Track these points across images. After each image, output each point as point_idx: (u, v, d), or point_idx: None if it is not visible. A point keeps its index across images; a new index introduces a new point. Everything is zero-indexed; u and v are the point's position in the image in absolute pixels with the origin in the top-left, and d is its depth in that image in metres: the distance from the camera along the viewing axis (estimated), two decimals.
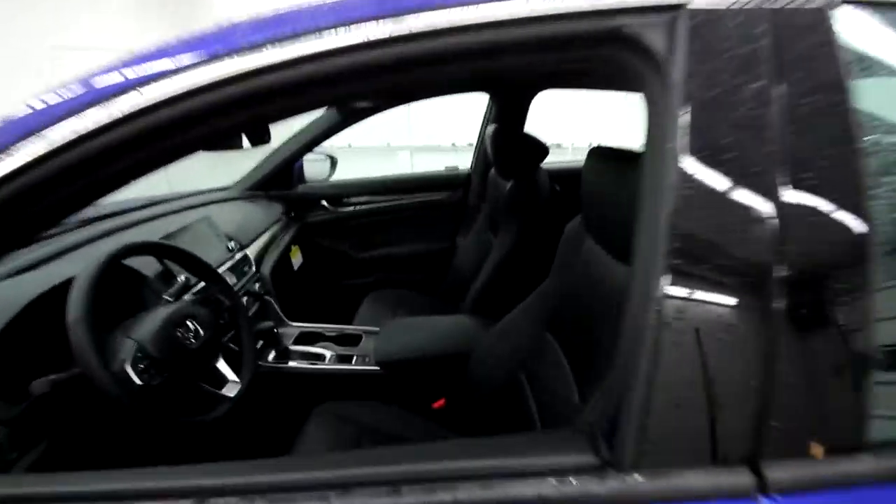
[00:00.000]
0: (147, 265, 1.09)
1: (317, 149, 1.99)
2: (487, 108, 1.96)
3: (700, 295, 0.39)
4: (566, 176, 2.06)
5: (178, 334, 0.85)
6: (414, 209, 2.16)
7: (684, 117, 0.40)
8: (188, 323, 0.89)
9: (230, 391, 0.91)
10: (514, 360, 1.08)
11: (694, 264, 0.39)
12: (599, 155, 0.85)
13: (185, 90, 0.42)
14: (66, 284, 0.76)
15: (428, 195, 2.16)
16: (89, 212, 1.32)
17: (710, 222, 0.39)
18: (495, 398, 1.11)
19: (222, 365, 0.95)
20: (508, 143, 1.44)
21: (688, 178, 0.39)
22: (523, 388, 1.03)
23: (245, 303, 1.32)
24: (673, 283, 0.38)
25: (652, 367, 0.39)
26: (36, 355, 0.74)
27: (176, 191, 1.82)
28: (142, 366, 0.77)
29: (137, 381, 0.74)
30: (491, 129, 1.48)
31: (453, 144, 4.61)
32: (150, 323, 0.83)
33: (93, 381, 0.68)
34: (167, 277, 1.11)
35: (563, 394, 0.88)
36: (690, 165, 0.39)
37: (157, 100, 0.43)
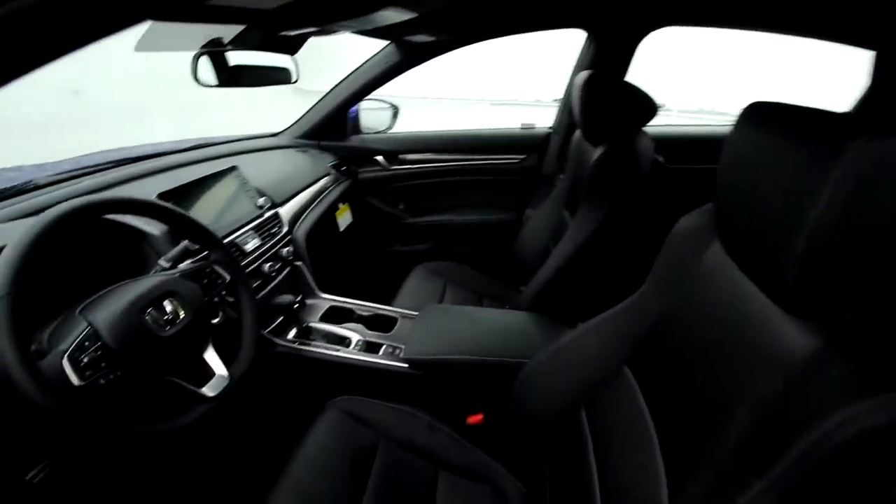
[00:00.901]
0: (154, 223, 0.94)
1: (379, 94, 1.75)
2: (582, 50, 1.56)
3: None
4: (672, 145, 1.63)
5: (148, 318, 0.68)
6: (479, 172, 1.86)
7: None
8: (165, 303, 0.72)
9: (213, 389, 0.74)
10: (576, 390, 0.80)
11: None
12: (765, 114, 0.50)
13: None
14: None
15: (497, 157, 1.84)
16: (107, 156, 1.21)
17: None
18: (543, 431, 0.86)
19: (211, 355, 0.78)
20: (604, 95, 1.08)
21: None
22: (582, 432, 0.76)
23: (268, 269, 1.15)
24: None
25: None
26: None
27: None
28: (88, 358, 0.60)
29: (75, 380, 0.58)
30: (582, 76, 1.11)
31: (537, 100, 4.12)
32: (113, 301, 0.67)
33: (8, 379, 0.53)
34: (175, 238, 0.95)
35: (640, 474, 0.60)
36: None
37: None
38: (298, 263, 1.29)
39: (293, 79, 1.12)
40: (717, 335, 0.56)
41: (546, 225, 1.50)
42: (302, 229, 1.36)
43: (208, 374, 0.77)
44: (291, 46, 1.04)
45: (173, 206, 0.80)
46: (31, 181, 1.00)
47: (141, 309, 0.67)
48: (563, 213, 1.43)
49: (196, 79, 0.90)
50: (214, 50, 0.88)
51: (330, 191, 1.64)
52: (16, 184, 0.98)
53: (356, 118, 1.86)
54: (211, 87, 1.01)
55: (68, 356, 0.59)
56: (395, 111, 1.95)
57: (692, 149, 1.63)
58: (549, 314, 1.18)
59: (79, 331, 0.62)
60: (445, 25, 1.24)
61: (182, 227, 0.82)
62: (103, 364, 0.62)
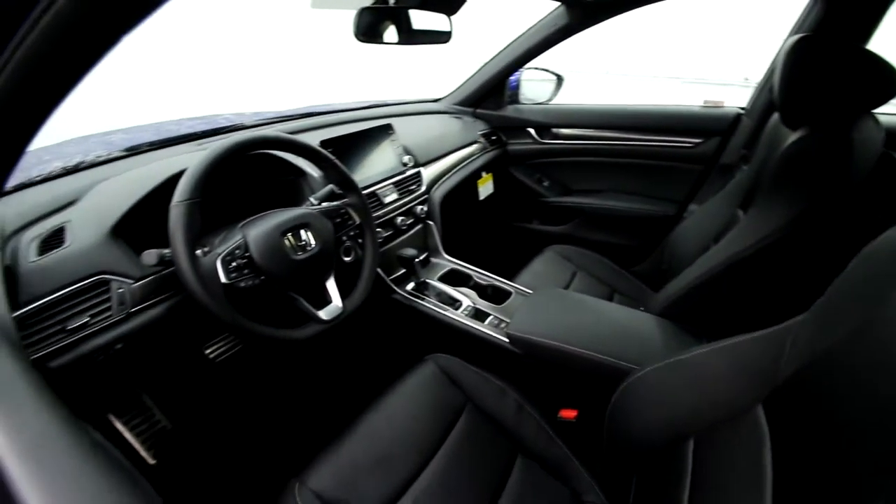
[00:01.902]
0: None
1: (551, 66, 1.66)
2: (805, 10, 1.21)
3: None
4: None
5: (286, 241, 0.80)
6: (640, 155, 1.65)
7: None
8: (301, 232, 0.83)
9: (327, 314, 0.85)
10: (689, 415, 0.68)
11: None
12: None
13: None
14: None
15: (665, 139, 1.60)
16: (298, 110, 1.43)
17: None
18: (639, 449, 0.75)
19: (331, 285, 0.89)
20: (817, 63, 0.82)
21: None
22: (683, 465, 0.64)
23: (400, 222, 1.24)
24: None
25: None
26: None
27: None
28: (236, 263, 0.74)
29: (223, 278, 0.72)
30: (793, 40, 0.86)
31: (746, 79, 3.40)
32: (264, 223, 0.80)
33: (176, 267, 0.68)
34: (327, 181, 1.09)
35: None
36: None
37: None
38: (430, 223, 1.36)
39: (449, 39, 1.14)
40: None
41: (711, 223, 1.26)
42: (440, 191, 1.41)
43: (326, 300, 0.88)
44: (451, 7, 1.05)
45: (320, 149, 0.91)
46: (241, 123, 1.26)
47: (282, 233, 0.80)
48: (735, 211, 1.18)
49: (356, 35, 0.98)
50: (378, 7, 0.95)
51: (475, 158, 1.66)
52: (231, 123, 1.25)
53: (516, 87, 1.82)
54: (390, 44, 1.10)
55: (221, 258, 0.73)
56: (559, 81, 1.84)
57: None
58: (683, 324, 1.00)
59: (234, 241, 0.76)
60: None
61: (327, 168, 0.93)
62: (246, 271, 0.75)
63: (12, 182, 0.80)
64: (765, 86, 1.37)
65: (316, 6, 0.91)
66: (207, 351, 1.11)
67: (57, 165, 0.87)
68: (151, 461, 1.02)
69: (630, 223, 1.69)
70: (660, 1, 1.23)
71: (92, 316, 0.68)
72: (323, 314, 0.84)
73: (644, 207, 1.65)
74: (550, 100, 1.86)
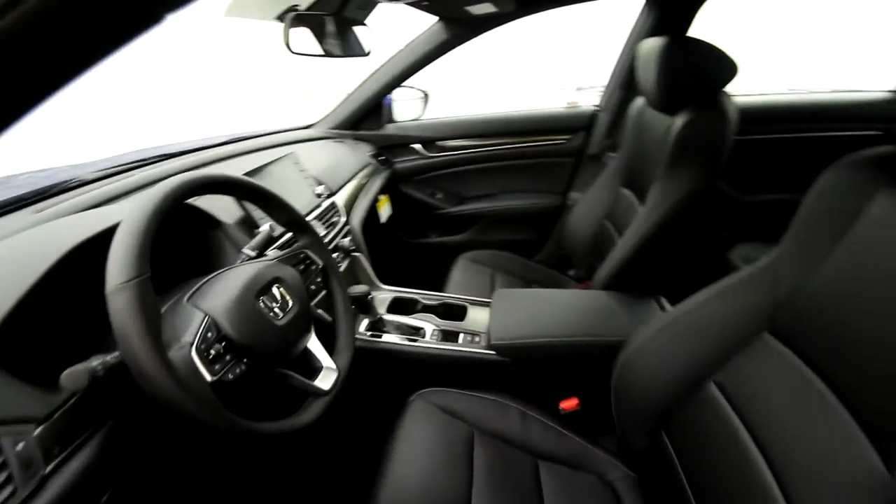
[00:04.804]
0: (226, 211, 0.88)
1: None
2: (638, 21, 1.51)
3: None
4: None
5: (262, 305, 0.62)
6: (522, 156, 1.80)
7: None
8: (273, 289, 0.66)
9: (325, 382, 0.69)
10: (702, 361, 0.75)
11: None
12: None
13: None
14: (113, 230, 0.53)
15: (538, 139, 1.78)
16: (147, 153, 1.13)
17: None
18: (659, 408, 0.80)
19: (314, 345, 0.72)
20: (682, 59, 1.02)
21: None
22: (716, 403, 0.71)
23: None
24: None
25: None
26: (76, 327, 0.55)
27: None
28: (214, 352, 0.54)
29: (207, 376, 0.52)
30: (656, 41, 1.05)
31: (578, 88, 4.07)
32: (224, 289, 0.60)
33: (141, 377, 0.46)
34: (249, 226, 0.89)
35: (833, 439, 0.54)
36: None
37: None
38: (358, 255, 1.23)
39: (366, 51, 1.06)
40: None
41: (599, 205, 1.44)
42: (357, 218, 1.30)
43: (314, 367, 0.71)
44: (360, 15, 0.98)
45: (268, 189, 0.74)
46: (81, 179, 0.92)
47: (255, 296, 0.61)
48: (618, 191, 1.37)
49: (288, 46, 0.84)
50: (301, 13, 0.83)
51: (371, 182, 1.58)
52: (71, 178, 0.91)
53: (391, 106, 1.80)
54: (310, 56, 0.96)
55: (196, 349, 0.52)
56: (426, 98, 1.88)
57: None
58: (629, 292, 1.13)
59: (198, 321, 0.55)
60: None
61: (274, 208, 0.76)
62: (228, 357, 0.55)
63: None
64: (615, 84, 1.65)
65: (229, 14, 0.74)
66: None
67: None
68: None
69: (524, 219, 1.83)
70: (525, 16, 1.37)
71: None
72: (320, 384, 0.68)
73: (533, 202, 1.81)
74: (420, 116, 1.89)
